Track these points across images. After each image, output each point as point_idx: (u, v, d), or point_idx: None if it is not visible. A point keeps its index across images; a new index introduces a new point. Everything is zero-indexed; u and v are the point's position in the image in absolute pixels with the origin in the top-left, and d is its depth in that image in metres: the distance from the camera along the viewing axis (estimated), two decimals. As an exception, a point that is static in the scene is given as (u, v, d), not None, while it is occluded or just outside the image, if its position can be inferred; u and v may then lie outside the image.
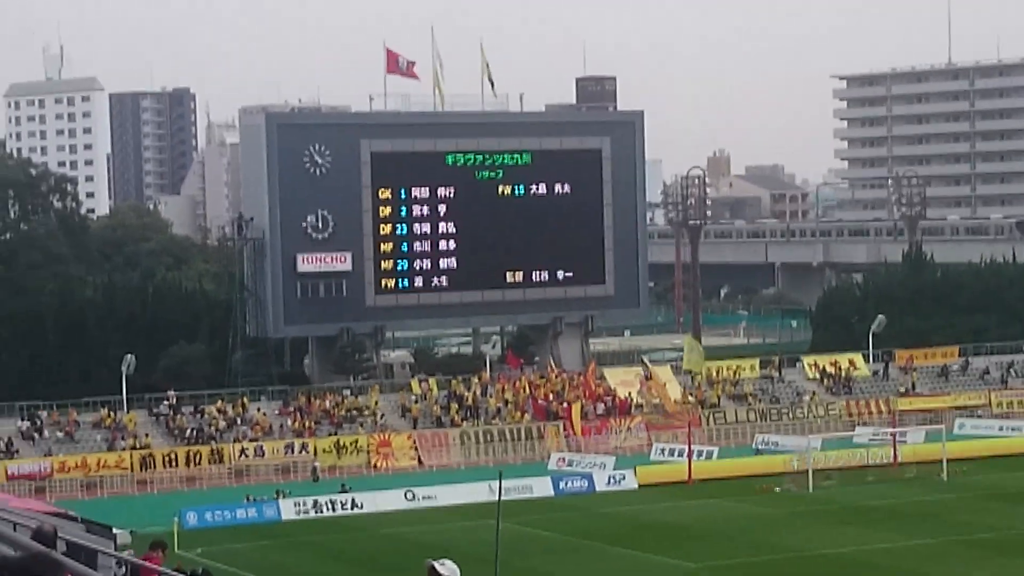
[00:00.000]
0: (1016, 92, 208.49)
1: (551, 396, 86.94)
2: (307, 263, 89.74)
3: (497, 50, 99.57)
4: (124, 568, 18.44)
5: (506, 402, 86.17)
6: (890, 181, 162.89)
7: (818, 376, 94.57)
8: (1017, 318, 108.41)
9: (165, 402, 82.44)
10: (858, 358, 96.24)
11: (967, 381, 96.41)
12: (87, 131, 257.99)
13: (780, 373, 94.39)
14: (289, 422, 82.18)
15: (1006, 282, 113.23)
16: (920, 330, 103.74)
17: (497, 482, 30.99)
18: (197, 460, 77.89)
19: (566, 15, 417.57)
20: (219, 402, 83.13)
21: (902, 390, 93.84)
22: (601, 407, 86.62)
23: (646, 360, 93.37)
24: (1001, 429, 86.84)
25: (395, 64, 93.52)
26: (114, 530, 29.68)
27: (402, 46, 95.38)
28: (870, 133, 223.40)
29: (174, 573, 18.13)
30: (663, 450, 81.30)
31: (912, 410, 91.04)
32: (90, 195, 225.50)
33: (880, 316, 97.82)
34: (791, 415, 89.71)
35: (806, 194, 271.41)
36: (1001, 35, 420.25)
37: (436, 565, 11.94)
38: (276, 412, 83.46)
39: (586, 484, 72.68)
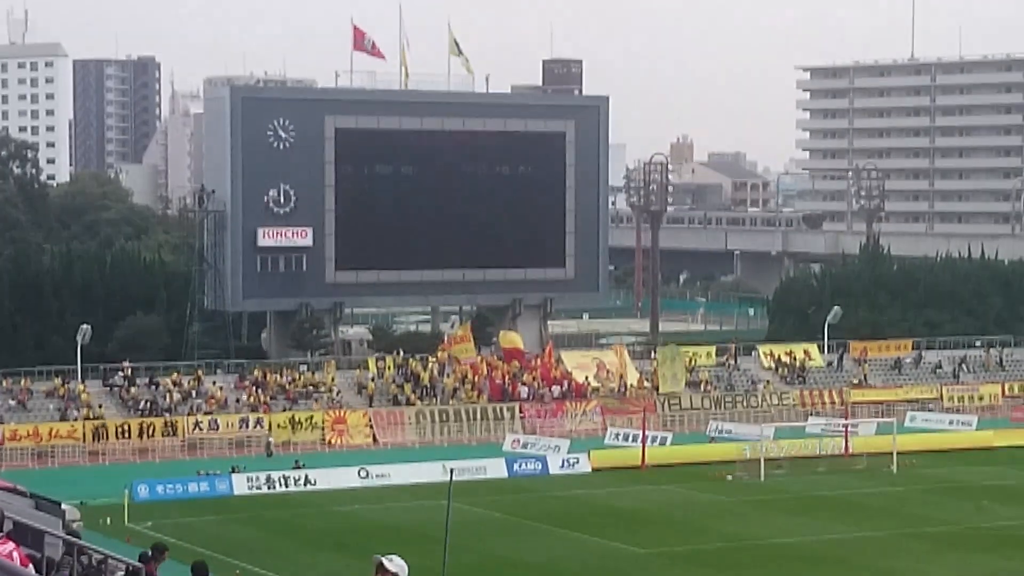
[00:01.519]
0: (976, 89, 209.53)
1: (508, 377, 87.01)
2: (268, 237, 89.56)
3: (465, 30, 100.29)
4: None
5: (463, 381, 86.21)
6: (850, 173, 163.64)
7: (773, 365, 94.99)
8: (970, 313, 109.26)
9: (120, 373, 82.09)
10: (813, 348, 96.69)
11: (919, 375, 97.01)
12: (50, 97, 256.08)
13: (736, 361, 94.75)
14: (244, 396, 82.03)
15: (960, 277, 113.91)
16: (875, 322, 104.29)
17: (450, 464, 31.10)
18: (150, 432, 77.62)
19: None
20: (174, 374, 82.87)
21: (855, 381, 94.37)
22: (557, 390, 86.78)
23: (610, 344, 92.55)
24: (951, 423, 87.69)
25: (361, 42, 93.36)
26: (63, 505, 29.68)
27: (369, 22, 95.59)
28: (832, 125, 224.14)
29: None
30: (617, 435, 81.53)
31: (865, 401, 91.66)
32: (51, 161, 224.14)
33: (836, 307, 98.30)
34: (745, 403, 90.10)
35: (767, 183, 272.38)
36: (963, 31, 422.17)
37: (384, 561, 11.98)
38: (232, 386, 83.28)
39: (540, 467, 72.87)
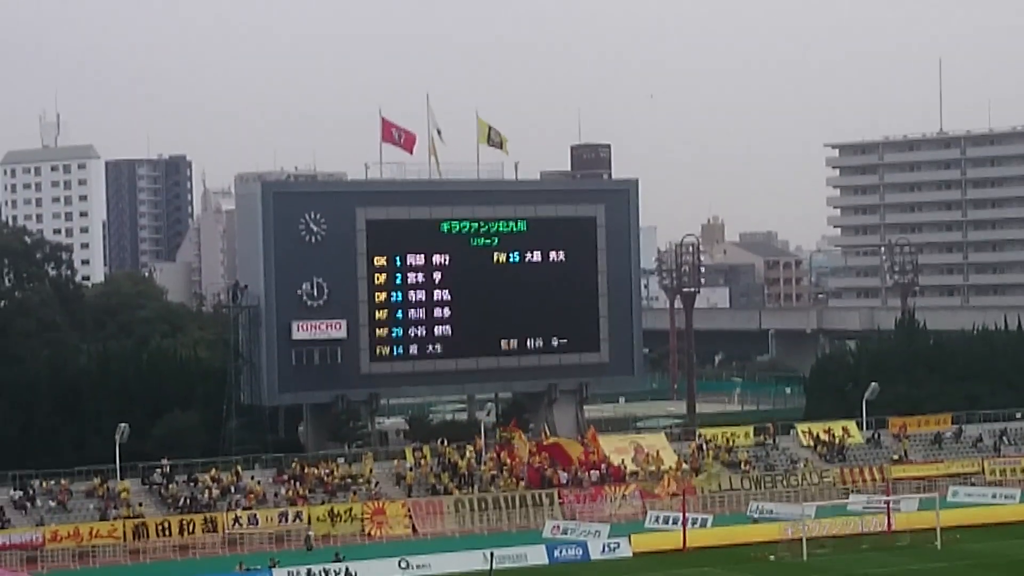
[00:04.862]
0: (1006, 160, 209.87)
1: (546, 464, 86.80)
2: (302, 330, 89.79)
3: (492, 118, 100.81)
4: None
5: (501, 469, 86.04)
6: (882, 248, 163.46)
7: (812, 443, 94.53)
8: (1009, 385, 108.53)
9: (158, 470, 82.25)
10: (852, 425, 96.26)
11: (960, 449, 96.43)
12: (83, 199, 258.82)
13: (774, 440, 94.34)
14: (283, 490, 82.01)
15: (998, 350, 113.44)
16: (913, 397, 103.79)
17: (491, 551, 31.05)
18: (191, 529, 77.63)
19: (562, 83, 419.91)
20: (213, 470, 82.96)
21: (895, 457, 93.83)
22: (596, 474, 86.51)
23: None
24: (994, 497, 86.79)
25: (390, 134, 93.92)
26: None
27: (398, 113, 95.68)
28: (863, 201, 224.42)
29: None
30: (657, 518, 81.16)
31: (906, 477, 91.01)
32: (85, 262, 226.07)
33: (873, 384, 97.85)
34: (785, 483, 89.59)
35: (800, 261, 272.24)
36: (992, 104, 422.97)
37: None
38: (270, 480, 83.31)
39: (580, 552, 72.55)
